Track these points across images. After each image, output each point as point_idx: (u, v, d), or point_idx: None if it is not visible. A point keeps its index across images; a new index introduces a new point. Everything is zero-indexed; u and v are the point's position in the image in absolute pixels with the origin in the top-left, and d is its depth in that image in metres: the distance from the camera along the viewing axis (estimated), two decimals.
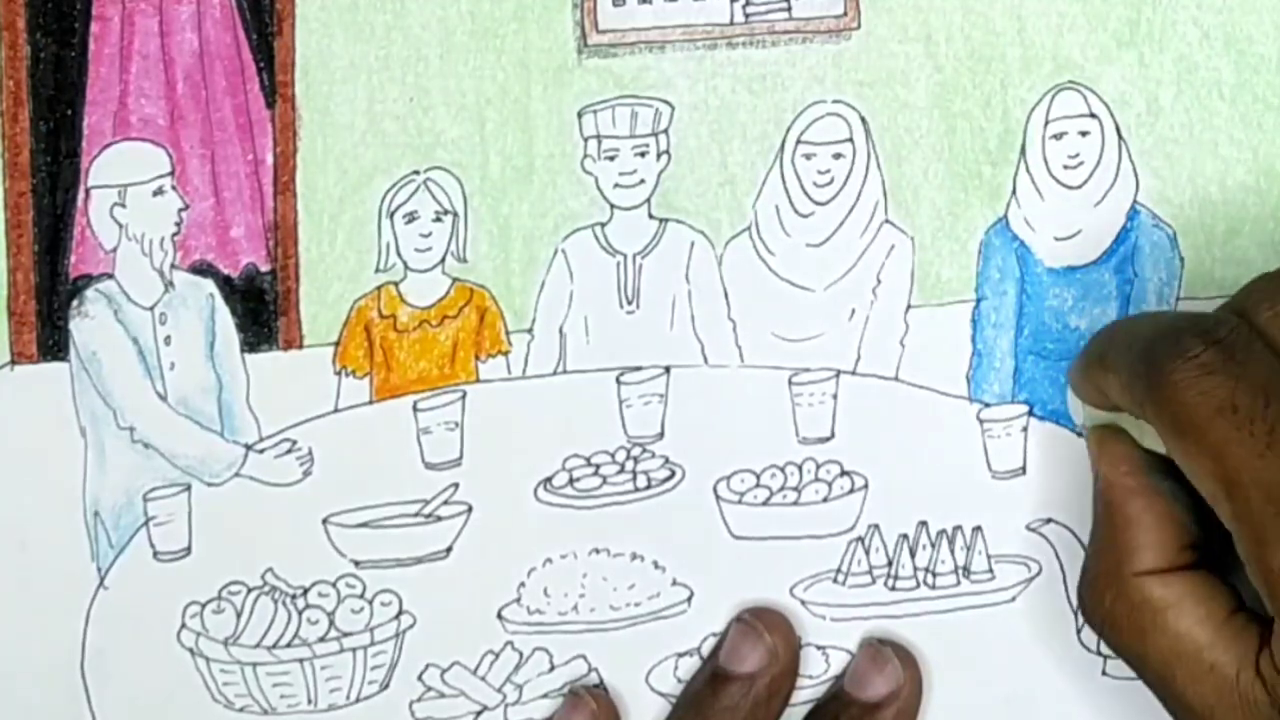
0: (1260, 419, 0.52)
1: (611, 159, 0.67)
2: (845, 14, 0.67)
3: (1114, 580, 0.58)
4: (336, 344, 0.67)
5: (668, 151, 0.67)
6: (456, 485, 0.67)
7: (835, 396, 0.68)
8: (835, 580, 0.69)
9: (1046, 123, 0.67)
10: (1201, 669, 0.56)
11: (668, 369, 0.68)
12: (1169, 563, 0.58)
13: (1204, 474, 0.54)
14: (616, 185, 0.67)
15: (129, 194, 0.66)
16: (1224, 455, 0.53)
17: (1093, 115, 0.67)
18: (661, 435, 0.68)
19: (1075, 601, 0.60)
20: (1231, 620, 0.56)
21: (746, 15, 0.67)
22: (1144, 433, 0.59)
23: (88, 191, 0.65)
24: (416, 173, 0.67)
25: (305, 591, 0.67)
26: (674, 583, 0.68)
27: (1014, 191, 0.67)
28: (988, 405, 0.68)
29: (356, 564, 0.67)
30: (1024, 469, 0.68)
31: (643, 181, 0.67)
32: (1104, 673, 0.69)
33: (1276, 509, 0.52)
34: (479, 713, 0.68)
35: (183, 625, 0.67)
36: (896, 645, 0.67)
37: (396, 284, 0.67)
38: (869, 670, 0.67)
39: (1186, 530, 0.58)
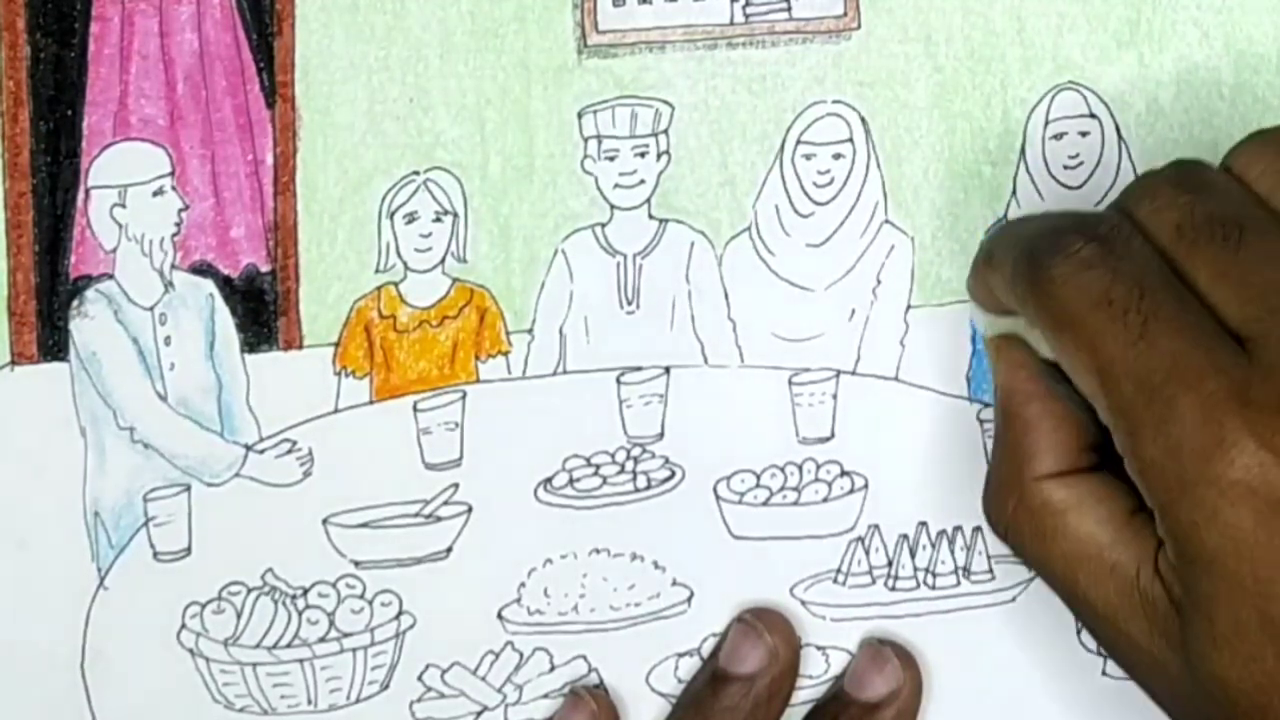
0: (1134, 310, 0.52)
1: (611, 159, 0.67)
2: (845, 14, 0.67)
3: (1015, 486, 0.58)
4: (336, 344, 0.67)
5: (668, 152, 0.67)
6: (456, 485, 0.67)
7: (835, 396, 0.68)
8: (835, 581, 0.69)
9: (1046, 123, 0.67)
10: (1103, 570, 0.55)
11: (668, 369, 0.68)
12: (1068, 465, 0.58)
13: (1081, 368, 0.54)
14: (616, 185, 0.67)
15: (129, 194, 0.66)
16: (1099, 347, 0.53)
17: (1093, 115, 0.67)
18: (661, 435, 0.68)
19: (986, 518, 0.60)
20: (1132, 520, 0.54)
21: (746, 15, 0.67)
22: (1040, 340, 0.59)
23: (88, 192, 0.65)
24: (416, 173, 0.66)
25: (305, 592, 0.67)
26: (674, 583, 0.68)
27: (1014, 192, 0.67)
28: (988, 405, 0.68)
29: (356, 564, 0.67)
30: None
31: (643, 182, 0.67)
32: (1104, 673, 0.69)
33: (1147, 399, 0.52)
34: (479, 713, 0.68)
35: (183, 626, 0.67)
36: (896, 645, 0.67)
37: (396, 284, 0.67)
38: (869, 670, 0.67)
39: (1085, 432, 0.58)
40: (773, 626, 0.66)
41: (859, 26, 0.67)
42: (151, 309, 0.66)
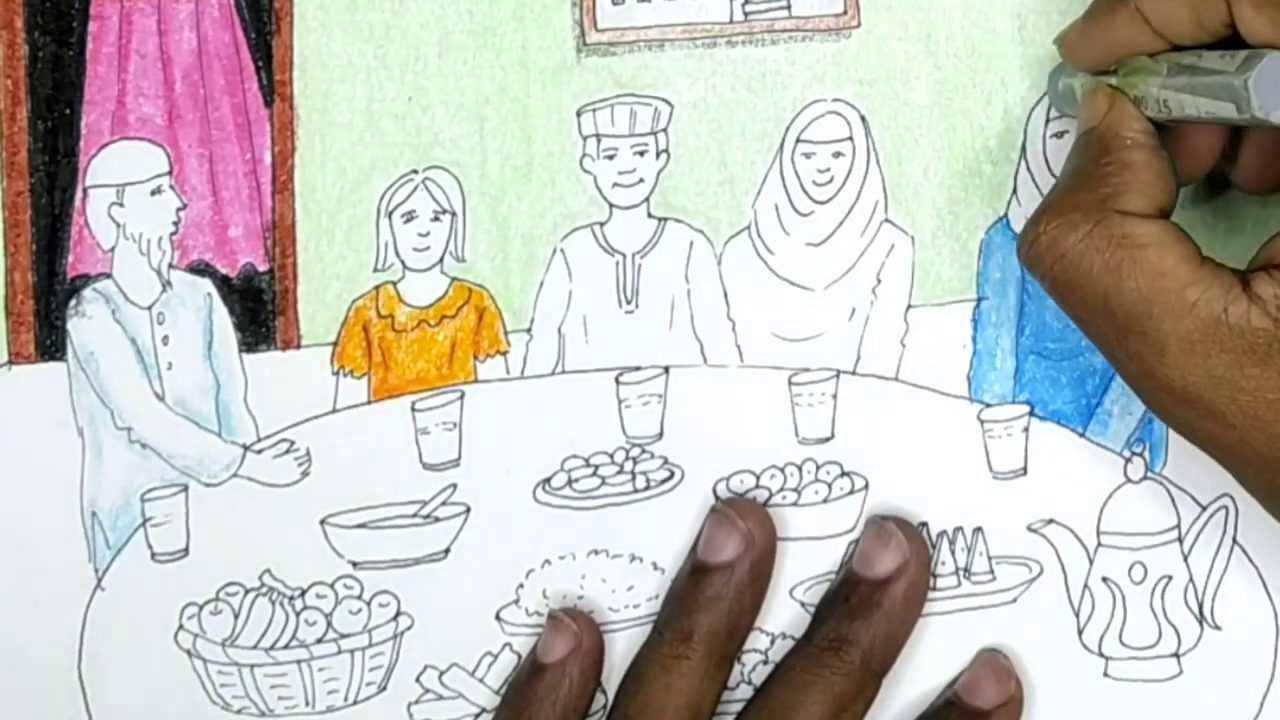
0: None
1: (610, 158, 0.67)
2: (845, 12, 0.67)
3: (1095, 211, 0.58)
4: (334, 344, 0.67)
5: (667, 150, 0.67)
6: (455, 486, 0.67)
7: (835, 397, 0.68)
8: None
9: (1047, 121, 0.67)
10: (1183, 306, 0.55)
11: (667, 369, 0.67)
12: (1151, 212, 0.58)
13: None
14: (615, 184, 0.67)
15: (127, 193, 0.66)
16: None
17: None
18: (660, 436, 0.68)
19: (1021, 250, 0.59)
20: (1206, 262, 0.56)
21: (746, 13, 0.67)
22: (1146, 100, 0.59)
23: (85, 191, 0.65)
24: (415, 172, 0.66)
25: (303, 593, 0.67)
26: None
27: (1015, 190, 0.67)
28: (988, 405, 0.68)
29: (354, 565, 0.67)
30: (1025, 469, 0.68)
31: (642, 180, 0.67)
32: (1106, 674, 0.68)
33: None
34: (477, 715, 0.68)
35: (180, 626, 0.67)
36: (900, 521, 0.67)
37: (395, 284, 0.67)
38: (875, 548, 0.66)
39: (1171, 197, 0.59)
40: (746, 513, 0.66)
41: (859, 24, 0.67)
42: (149, 308, 0.66)
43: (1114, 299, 0.57)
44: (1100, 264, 0.57)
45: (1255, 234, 0.66)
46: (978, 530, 0.68)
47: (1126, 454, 0.68)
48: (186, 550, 0.66)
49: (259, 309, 0.66)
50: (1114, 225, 0.57)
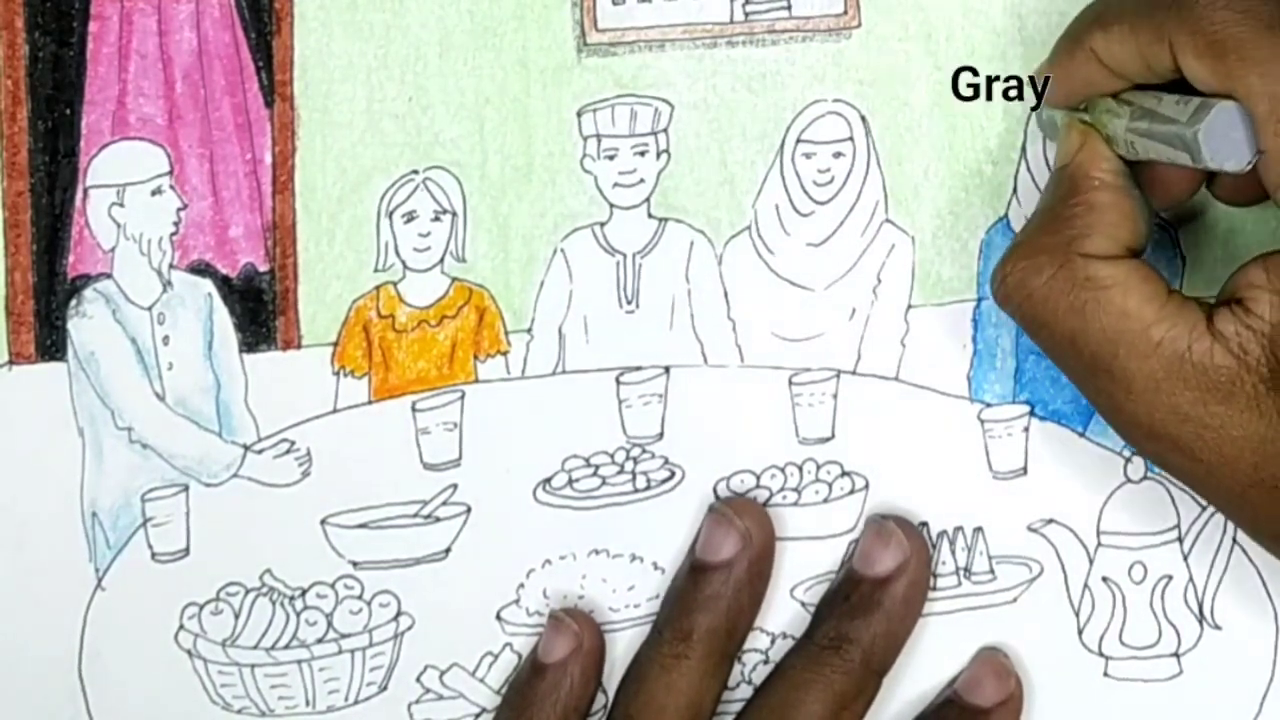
0: None
1: (611, 158, 0.67)
2: (845, 12, 0.67)
3: (1060, 255, 0.58)
4: (335, 344, 0.66)
5: (667, 150, 0.67)
6: (455, 486, 0.67)
7: (835, 396, 0.68)
8: None
9: None
10: (1148, 345, 0.56)
11: (667, 369, 0.67)
12: (1116, 254, 0.58)
13: (1253, 94, 0.54)
14: (616, 184, 0.67)
15: (127, 193, 0.66)
16: (1275, 72, 0.54)
17: None
18: (661, 436, 0.68)
19: (993, 287, 0.60)
20: (1172, 299, 0.56)
21: (746, 14, 0.67)
22: (1116, 139, 0.59)
23: (86, 191, 0.65)
24: (415, 172, 0.66)
25: (303, 592, 0.67)
26: None
27: (1015, 190, 0.67)
28: (989, 405, 0.68)
29: (355, 565, 0.67)
30: (1025, 469, 0.68)
31: (642, 181, 0.67)
32: (1105, 674, 0.68)
33: None
34: (478, 715, 0.68)
35: (180, 626, 0.67)
36: (900, 519, 0.67)
37: (395, 284, 0.67)
38: (874, 546, 0.66)
39: (1140, 236, 0.59)
40: (744, 511, 0.66)
41: (859, 24, 0.67)
42: (150, 308, 0.66)
43: (1080, 339, 0.58)
44: (1065, 306, 0.58)
45: (1254, 233, 0.66)
46: (978, 530, 0.68)
47: (1126, 454, 0.68)
48: (187, 550, 0.66)
49: (259, 309, 0.66)
50: (1078, 268, 0.58)
